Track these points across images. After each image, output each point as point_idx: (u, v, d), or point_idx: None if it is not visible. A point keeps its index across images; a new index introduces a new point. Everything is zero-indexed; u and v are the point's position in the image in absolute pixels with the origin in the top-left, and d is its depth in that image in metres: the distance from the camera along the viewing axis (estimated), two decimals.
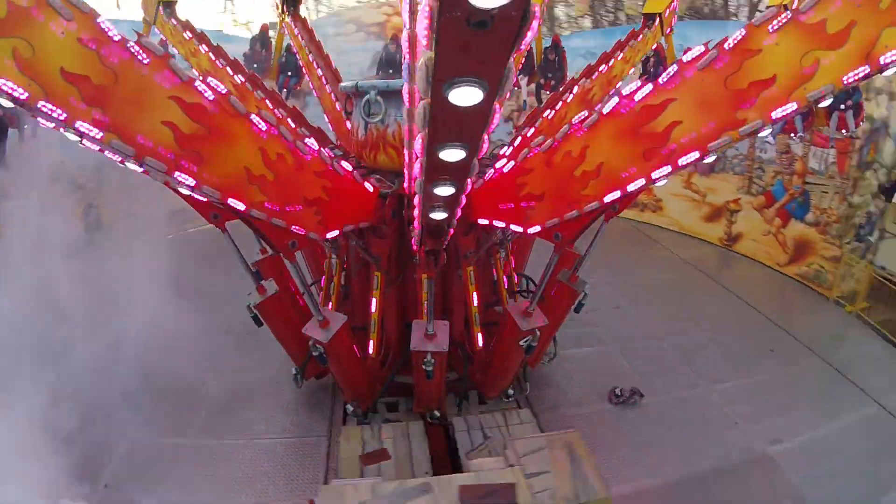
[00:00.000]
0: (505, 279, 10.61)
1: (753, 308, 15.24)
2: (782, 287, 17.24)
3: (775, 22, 5.03)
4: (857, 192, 15.93)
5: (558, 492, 6.49)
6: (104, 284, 11.12)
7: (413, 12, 3.11)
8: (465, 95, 3.16)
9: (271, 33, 13.72)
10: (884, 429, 10.03)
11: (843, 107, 11.19)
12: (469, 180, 5.45)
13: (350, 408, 9.37)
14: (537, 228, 7.04)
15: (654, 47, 12.40)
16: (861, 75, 4.84)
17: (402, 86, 4.26)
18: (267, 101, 10.11)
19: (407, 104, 4.45)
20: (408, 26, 3.32)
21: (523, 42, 2.73)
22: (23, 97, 4.30)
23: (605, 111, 6.06)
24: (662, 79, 5.69)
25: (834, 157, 15.74)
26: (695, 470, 8.87)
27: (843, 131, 11.74)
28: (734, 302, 15.72)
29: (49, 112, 4.45)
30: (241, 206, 5.94)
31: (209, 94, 5.41)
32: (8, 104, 4.44)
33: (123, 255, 12.10)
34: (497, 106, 3.43)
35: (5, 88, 4.22)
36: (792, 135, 13.64)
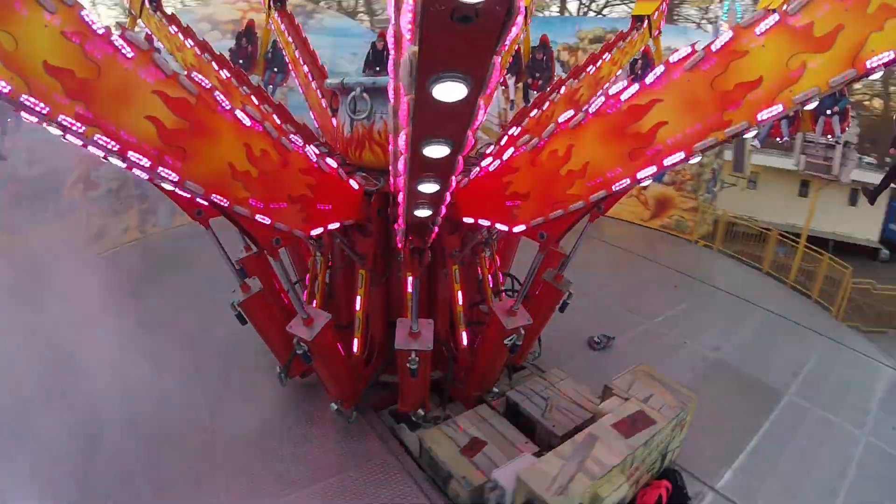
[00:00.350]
0: (490, 278, 10.61)
1: (639, 256, 19.63)
2: (652, 237, 22.01)
3: (763, 24, 5.04)
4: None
5: (670, 404, 8.46)
6: (34, 327, 9.52)
7: (398, 7, 3.08)
8: (450, 91, 3.15)
9: (257, 29, 13.68)
10: (774, 323, 15.41)
11: (829, 112, 11.23)
12: (454, 178, 5.44)
13: (334, 406, 9.33)
14: (522, 227, 7.04)
15: (642, 49, 12.44)
16: (847, 79, 4.87)
17: (388, 83, 4.23)
18: (252, 96, 10.04)
19: (392, 100, 4.43)
20: (392, 21, 3.29)
21: (508, 38, 2.71)
22: (5, 90, 4.25)
23: (591, 111, 6.07)
24: (649, 79, 5.70)
25: None
26: (682, 382, 10.09)
27: (829, 136, 11.82)
28: (622, 254, 19.75)
29: (32, 106, 4.39)
30: (224, 203, 5.89)
31: (193, 89, 5.37)
32: None
33: (51, 287, 10.56)
34: (482, 102, 3.41)
35: None
36: (778, 139, 13.74)
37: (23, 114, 4.63)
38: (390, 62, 4.39)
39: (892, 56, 4.59)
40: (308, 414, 9.91)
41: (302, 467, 8.63)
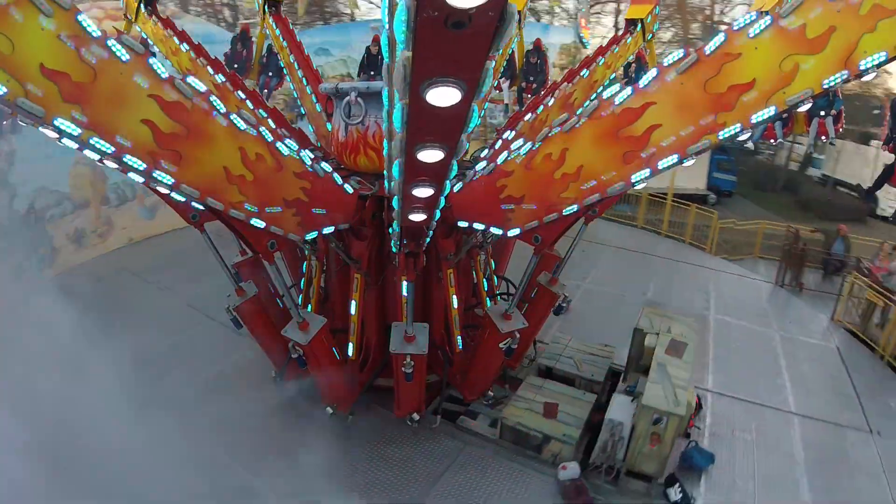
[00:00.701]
0: (485, 282, 10.62)
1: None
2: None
3: (755, 27, 5.06)
4: None
5: (684, 331, 9.99)
6: None
7: (392, 12, 3.09)
8: (443, 96, 3.16)
9: (252, 33, 13.67)
10: (669, 266, 18.52)
11: (823, 113, 11.24)
12: (448, 182, 5.45)
13: (330, 410, 9.31)
14: (517, 231, 7.06)
15: (635, 53, 12.47)
16: (840, 80, 4.89)
17: (382, 88, 4.24)
18: (248, 101, 10.05)
19: (386, 105, 4.44)
20: (387, 26, 3.29)
21: (502, 42, 2.73)
22: (1, 93, 4.26)
23: (585, 115, 6.09)
24: (642, 82, 5.72)
25: None
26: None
27: (823, 138, 11.82)
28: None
29: (28, 109, 4.41)
30: (219, 206, 5.90)
31: (189, 93, 5.38)
32: None
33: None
34: (476, 106, 3.43)
35: None
36: (771, 140, 13.76)
37: (18, 117, 4.64)
38: (384, 67, 4.41)
39: (884, 57, 4.63)
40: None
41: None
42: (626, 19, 12.37)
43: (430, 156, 4.10)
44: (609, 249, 19.23)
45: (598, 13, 37.49)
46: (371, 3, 32.98)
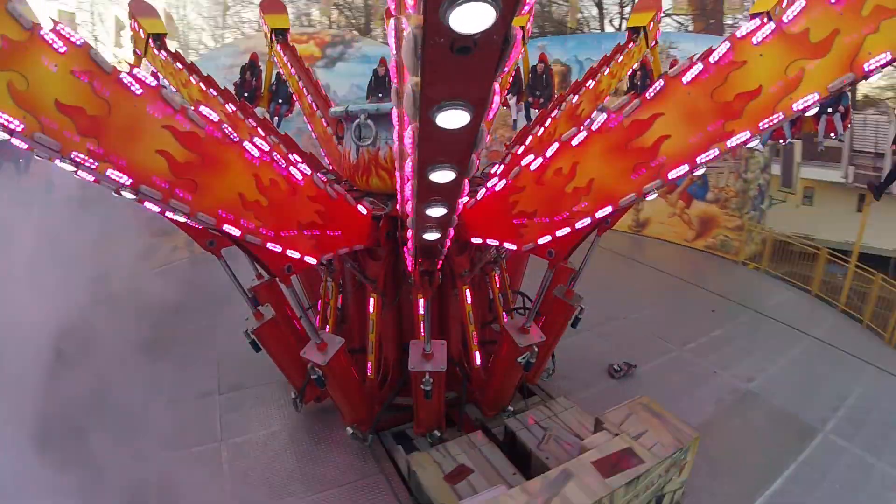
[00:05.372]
0: (501, 297, 10.63)
1: (679, 279, 18.29)
2: (695, 259, 20.66)
3: (759, 33, 5.09)
4: (749, 170, 20.15)
5: (664, 443, 7.41)
6: None
7: (399, 38, 3.16)
8: (453, 118, 3.22)
9: (261, 63, 13.84)
10: (818, 351, 13.42)
11: (830, 110, 11.21)
12: (460, 200, 5.49)
13: (350, 430, 9.34)
14: (531, 245, 7.08)
15: (639, 60, 12.51)
16: (846, 82, 4.89)
17: (391, 109, 4.31)
18: (259, 128, 10.17)
19: (396, 127, 4.51)
20: (394, 52, 3.37)
21: (508, 65, 2.78)
22: (18, 129, 4.36)
23: (593, 128, 6.12)
24: (650, 93, 5.76)
25: None
26: (703, 417, 10.30)
27: (832, 135, 11.75)
28: (662, 277, 18.63)
29: (44, 143, 4.51)
30: (236, 232, 5.98)
31: (202, 123, 5.47)
32: (2, 136, 4.50)
33: None
34: (484, 127, 3.48)
35: (1, 121, 4.27)
36: (780, 141, 13.69)
37: (35, 151, 4.74)
38: (393, 90, 4.49)
39: (889, 57, 4.62)
40: (324, 438, 9.95)
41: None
42: (629, 27, 12.43)
43: (443, 176, 4.16)
44: (758, 317, 15.32)
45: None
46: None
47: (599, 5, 37.05)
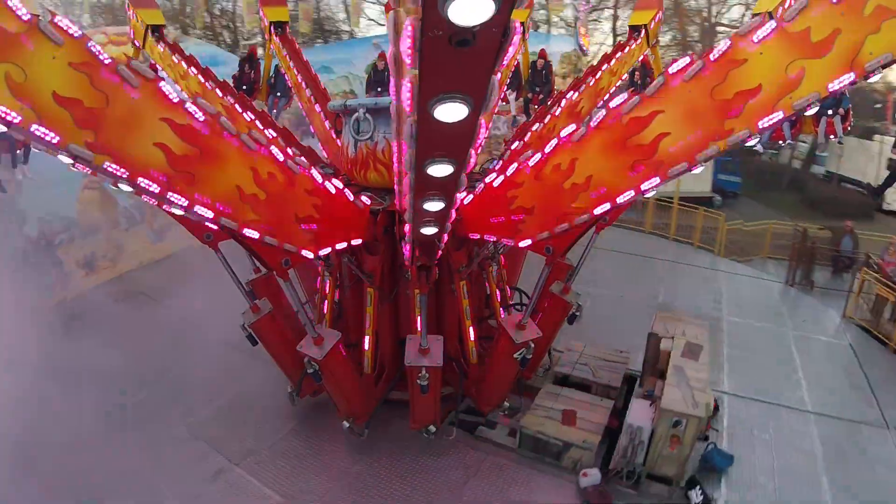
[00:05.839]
0: (498, 293, 10.63)
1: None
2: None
3: (759, 32, 5.06)
4: None
5: (699, 334, 10.21)
6: None
7: (397, 32, 3.14)
8: (451, 112, 3.20)
9: (259, 54, 13.78)
10: (678, 269, 18.84)
11: (830, 112, 11.17)
12: (458, 195, 5.48)
13: (346, 424, 9.34)
14: (528, 241, 7.07)
15: (640, 59, 12.48)
16: (846, 82, 4.87)
17: (390, 103, 4.29)
18: (257, 121, 10.14)
19: (395, 121, 4.50)
20: (392, 46, 3.35)
21: (506, 57, 2.77)
22: (16, 121, 4.34)
23: (592, 124, 6.11)
24: (649, 91, 5.74)
25: None
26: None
27: (832, 137, 11.72)
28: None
29: (42, 136, 4.49)
30: (233, 226, 5.96)
31: (200, 116, 5.45)
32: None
33: None
34: (483, 121, 3.47)
35: None
36: (781, 142, 13.67)
37: (32, 144, 4.72)
38: (391, 84, 4.47)
39: (890, 57, 4.60)
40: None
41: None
42: (630, 26, 12.40)
43: (440, 170, 4.15)
44: (618, 255, 18.93)
45: (596, 20, 37.38)
46: (371, 20, 33.04)
47: None
